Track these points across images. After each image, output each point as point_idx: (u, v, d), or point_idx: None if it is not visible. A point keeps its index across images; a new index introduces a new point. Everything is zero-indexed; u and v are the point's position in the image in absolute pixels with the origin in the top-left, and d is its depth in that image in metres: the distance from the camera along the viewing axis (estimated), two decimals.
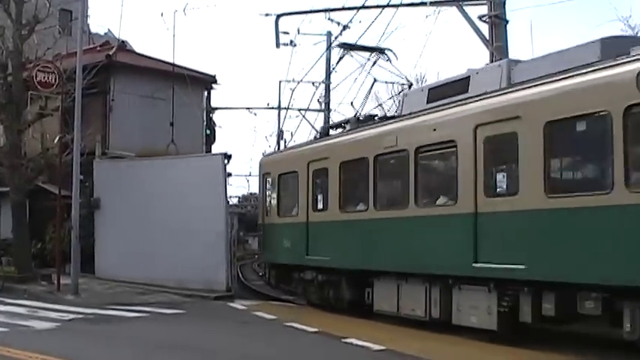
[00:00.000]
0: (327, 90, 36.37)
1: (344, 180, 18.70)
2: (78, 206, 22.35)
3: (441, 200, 15.14)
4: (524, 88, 13.17)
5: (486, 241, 13.40)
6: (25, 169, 25.68)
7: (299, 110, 34.53)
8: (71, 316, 17.24)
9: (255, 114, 41.46)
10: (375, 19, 23.56)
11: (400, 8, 23.05)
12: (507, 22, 21.36)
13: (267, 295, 24.15)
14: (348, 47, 23.72)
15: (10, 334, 14.32)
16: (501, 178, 13.39)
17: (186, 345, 13.58)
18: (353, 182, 18.56)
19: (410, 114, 16.64)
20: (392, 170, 17.36)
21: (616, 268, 10.82)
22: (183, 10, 56.84)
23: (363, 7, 23.64)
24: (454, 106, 14.96)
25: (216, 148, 34.80)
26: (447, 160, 15.47)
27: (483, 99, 14.11)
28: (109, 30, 46.35)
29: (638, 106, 10.69)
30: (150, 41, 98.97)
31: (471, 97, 14.63)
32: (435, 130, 15.21)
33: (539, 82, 12.80)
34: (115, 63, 30.22)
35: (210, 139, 35.19)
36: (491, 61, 20.13)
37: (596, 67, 11.71)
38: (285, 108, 37.24)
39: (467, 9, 21.51)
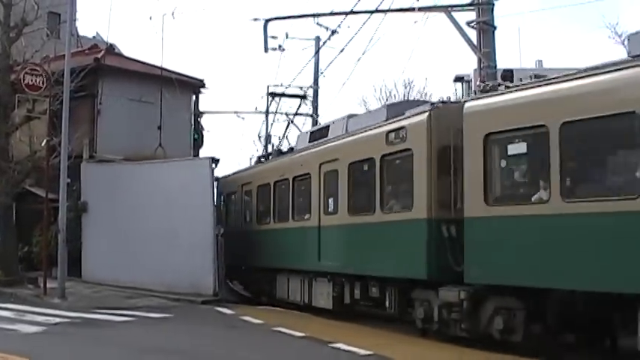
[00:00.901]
0: (315, 95, 36.35)
1: (260, 199, 24.58)
2: (65, 210, 22.29)
3: (306, 216, 20.54)
4: (341, 137, 19.02)
5: (326, 247, 19.02)
6: (12, 172, 25.61)
7: (286, 115, 34.56)
8: (58, 319, 17.18)
9: (243, 118, 41.38)
10: (364, 24, 23.65)
11: (389, 14, 23.08)
12: (495, 28, 21.43)
13: (255, 300, 24.15)
14: (276, 95, 31.92)
15: None
16: (330, 202, 19.17)
17: (173, 349, 13.58)
18: (265, 201, 24.06)
19: (293, 151, 23.05)
20: (283, 193, 22.58)
21: (385, 265, 16.24)
22: (172, 14, 56.52)
23: (352, 12, 23.67)
24: (311, 148, 20.88)
25: (203, 152, 34.79)
26: (307, 186, 20.60)
27: (323, 144, 20.04)
28: (97, 33, 46.45)
29: (388, 156, 16.38)
30: (138, 45, 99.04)
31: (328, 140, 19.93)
32: (301, 165, 21.23)
33: (343, 135, 18.94)
34: (103, 66, 30.17)
35: (198, 143, 35.13)
36: (479, 66, 20.25)
37: (374, 127, 17.17)
38: (273, 112, 37.18)
39: (455, 15, 21.54)
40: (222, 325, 17.75)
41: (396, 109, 16.88)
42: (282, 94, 31.58)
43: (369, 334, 16.09)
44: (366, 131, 17.48)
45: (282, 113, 35.45)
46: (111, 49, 34.32)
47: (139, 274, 24.28)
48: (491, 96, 13.87)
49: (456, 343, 14.05)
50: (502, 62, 19.29)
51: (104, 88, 30.13)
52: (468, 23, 21.43)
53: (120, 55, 36.35)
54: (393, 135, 16.11)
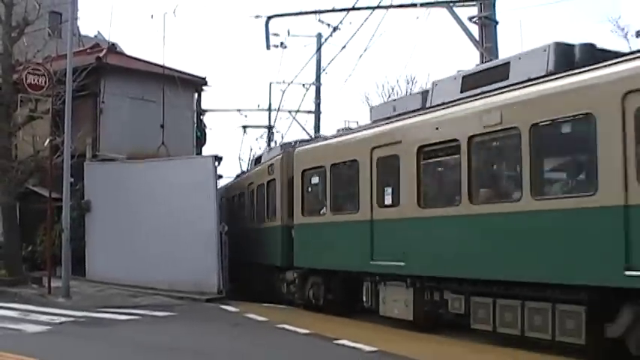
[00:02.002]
0: (318, 92, 36.40)
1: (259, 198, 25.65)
2: (69, 209, 22.30)
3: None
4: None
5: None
6: (15, 172, 25.60)
7: (289, 112, 34.61)
8: (62, 319, 17.19)
9: (246, 115, 41.40)
10: (365, 20, 23.65)
11: (390, 10, 23.07)
12: (497, 23, 21.45)
13: (259, 297, 24.12)
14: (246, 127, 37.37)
15: (1, 337, 14.29)
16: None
17: (177, 347, 13.58)
18: (261, 200, 25.12)
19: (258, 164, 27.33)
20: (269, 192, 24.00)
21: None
22: (174, 12, 56.73)
23: (353, 8, 23.66)
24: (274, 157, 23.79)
25: (206, 150, 34.80)
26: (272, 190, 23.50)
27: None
28: (99, 32, 46.41)
29: (267, 183, 23.57)
30: (140, 43, 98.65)
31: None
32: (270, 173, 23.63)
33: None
34: (105, 65, 30.14)
35: (201, 141, 35.14)
36: (481, 61, 20.21)
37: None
38: (275, 110, 37.26)
39: (457, 10, 21.58)
40: (226, 322, 17.74)
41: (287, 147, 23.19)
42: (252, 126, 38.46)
43: (374, 330, 16.08)
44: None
45: (285, 110, 35.58)
46: (113, 48, 34.31)
47: (142, 272, 24.27)
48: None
49: (460, 338, 14.04)
50: (504, 57, 19.20)
51: (106, 87, 30.10)
52: (470, 18, 21.45)
53: (122, 53, 36.32)
54: (269, 169, 23.46)
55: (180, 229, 23.52)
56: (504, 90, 13.37)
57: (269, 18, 28.13)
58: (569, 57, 12.80)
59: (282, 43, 32.64)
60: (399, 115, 16.71)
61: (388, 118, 17.11)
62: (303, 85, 34.02)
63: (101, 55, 30.80)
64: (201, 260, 23.09)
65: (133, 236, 24.72)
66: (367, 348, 12.73)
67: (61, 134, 22.92)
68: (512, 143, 12.98)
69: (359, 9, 23.52)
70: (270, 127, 34.29)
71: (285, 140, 28.91)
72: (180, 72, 32.85)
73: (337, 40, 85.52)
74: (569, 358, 11.66)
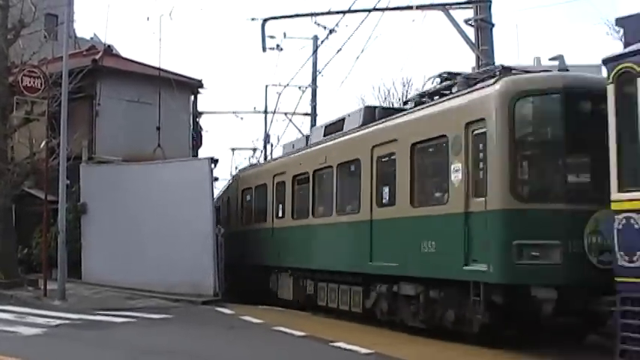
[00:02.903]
0: (314, 94, 36.40)
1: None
2: (65, 211, 22.27)
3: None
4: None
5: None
6: (11, 174, 25.59)
7: (285, 114, 34.61)
8: (58, 321, 17.16)
9: (242, 118, 41.44)
10: (361, 23, 23.60)
11: (386, 12, 23.05)
12: (493, 25, 21.43)
13: (255, 300, 24.12)
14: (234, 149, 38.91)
15: None
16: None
17: (173, 350, 13.57)
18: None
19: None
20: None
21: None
22: (169, 15, 56.71)
23: (349, 11, 23.64)
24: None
25: (202, 153, 34.82)
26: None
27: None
28: (95, 34, 46.26)
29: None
30: (136, 46, 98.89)
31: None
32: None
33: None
34: (101, 67, 30.13)
35: (197, 143, 35.14)
36: (477, 64, 20.24)
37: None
38: (271, 112, 37.28)
39: (453, 13, 21.55)
40: (222, 325, 17.74)
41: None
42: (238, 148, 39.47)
43: (370, 333, 16.10)
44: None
45: (281, 113, 35.60)
46: (109, 50, 34.28)
47: (139, 275, 24.23)
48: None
49: (458, 341, 14.04)
50: (500, 59, 19.37)
51: (102, 89, 30.09)
52: (466, 21, 21.43)
53: (118, 56, 36.32)
54: (229, 186, 28.66)
55: (177, 231, 23.49)
56: (330, 138, 20.19)
57: (265, 20, 28.12)
58: (372, 115, 18.30)
59: (278, 46, 32.67)
60: (289, 152, 23.94)
61: (287, 154, 24.17)
62: (299, 87, 34.08)
63: (97, 57, 30.78)
64: (198, 262, 23.08)
65: (129, 238, 24.68)
66: (363, 350, 12.72)
67: (57, 136, 22.91)
68: (329, 176, 19.84)
69: (355, 11, 23.50)
70: (254, 150, 34.92)
71: (282, 142, 29.29)
72: (177, 74, 32.85)
73: (333, 42, 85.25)
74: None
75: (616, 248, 10.91)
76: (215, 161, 25.03)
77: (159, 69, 31.25)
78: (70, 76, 23.27)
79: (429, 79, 17.34)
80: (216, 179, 28.07)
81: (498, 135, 12.92)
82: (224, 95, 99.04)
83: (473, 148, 13.59)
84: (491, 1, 21.35)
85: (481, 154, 13.38)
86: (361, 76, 77.02)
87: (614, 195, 10.98)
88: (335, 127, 20.17)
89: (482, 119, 13.30)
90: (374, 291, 16.96)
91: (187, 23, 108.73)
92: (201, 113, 36.32)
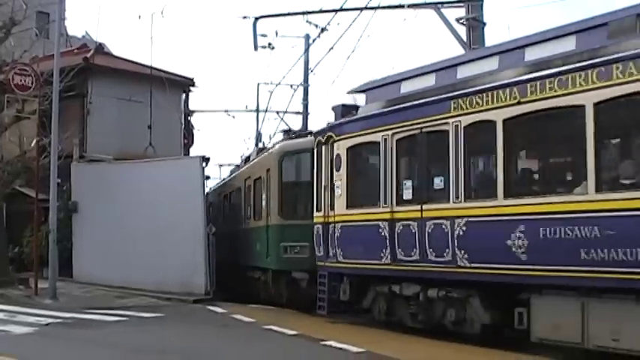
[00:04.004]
0: (306, 92, 36.41)
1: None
2: (55, 210, 22.22)
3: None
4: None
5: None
6: (2, 173, 25.53)
7: (277, 113, 34.66)
8: (49, 320, 17.14)
9: (234, 117, 41.48)
10: (353, 21, 23.59)
11: (378, 11, 23.06)
12: (485, 24, 21.47)
13: (247, 299, 24.11)
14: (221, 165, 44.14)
15: None
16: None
17: (164, 349, 13.56)
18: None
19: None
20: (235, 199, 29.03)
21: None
22: (161, 13, 56.56)
23: (341, 9, 23.63)
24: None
25: (194, 151, 34.80)
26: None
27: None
28: (86, 32, 46.13)
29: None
30: (128, 44, 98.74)
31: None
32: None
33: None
34: (93, 66, 30.09)
35: (189, 142, 35.11)
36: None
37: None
38: (263, 110, 37.35)
39: (444, 11, 21.58)
40: (214, 324, 17.73)
41: None
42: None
43: (361, 332, 16.10)
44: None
45: (272, 111, 35.62)
46: (100, 48, 34.25)
47: (130, 273, 24.21)
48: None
49: (449, 339, 14.05)
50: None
51: (93, 87, 30.07)
52: (458, 20, 21.46)
53: (109, 54, 36.29)
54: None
55: (168, 229, 23.46)
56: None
57: (257, 19, 28.05)
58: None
59: (269, 44, 32.58)
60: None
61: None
62: (291, 85, 34.12)
63: (88, 55, 30.75)
64: (189, 261, 23.06)
65: (120, 237, 24.65)
66: (354, 349, 12.72)
67: (48, 135, 22.84)
68: (239, 195, 27.29)
69: (347, 10, 23.49)
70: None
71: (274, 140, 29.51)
72: (168, 73, 32.82)
73: (325, 41, 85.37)
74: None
75: (315, 245, 18.29)
76: (206, 160, 25.03)
77: (150, 67, 31.21)
78: (61, 74, 23.21)
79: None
80: (208, 178, 28.10)
81: (274, 179, 21.58)
82: (216, 94, 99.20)
83: (266, 185, 22.29)
84: (482, 0, 21.38)
85: (270, 190, 21.81)
86: (353, 75, 76.93)
87: (315, 214, 18.33)
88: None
89: (269, 169, 22.06)
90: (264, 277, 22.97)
91: (179, 21, 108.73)
92: (192, 112, 36.32)
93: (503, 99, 12.99)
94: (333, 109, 18.46)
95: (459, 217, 13.67)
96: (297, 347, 13.98)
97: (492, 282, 13.11)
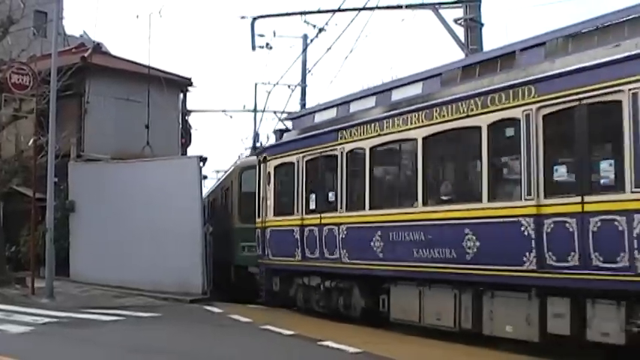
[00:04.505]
0: (303, 92, 36.43)
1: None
2: (53, 209, 22.22)
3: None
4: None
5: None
6: None
7: (275, 113, 34.67)
8: (46, 319, 17.13)
9: (231, 116, 41.52)
10: (351, 22, 23.63)
11: (376, 11, 23.10)
12: (482, 25, 21.53)
13: (244, 299, 24.14)
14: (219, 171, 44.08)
15: None
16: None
17: (160, 348, 13.56)
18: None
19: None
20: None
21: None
22: (159, 13, 56.64)
23: (339, 9, 23.67)
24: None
25: (191, 151, 34.75)
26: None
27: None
28: (84, 32, 46.14)
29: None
30: (126, 43, 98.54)
31: None
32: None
33: None
34: (90, 65, 30.01)
35: (186, 141, 35.08)
36: None
37: None
38: (261, 111, 37.35)
39: (442, 12, 21.62)
40: (211, 323, 17.75)
41: None
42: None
43: (359, 332, 16.07)
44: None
45: (270, 111, 35.64)
46: (98, 47, 34.19)
47: (127, 273, 24.21)
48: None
49: (442, 340, 14.07)
50: None
51: (91, 87, 29.99)
52: (456, 20, 21.51)
53: (107, 53, 36.21)
54: None
55: (165, 229, 23.45)
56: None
57: (255, 19, 28.12)
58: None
59: (267, 44, 32.61)
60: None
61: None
62: (289, 86, 34.13)
63: (86, 54, 30.66)
64: (186, 261, 23.05)
65: (118, 236, 24.64)
66: (351, 349, 12.73)
67: (46, 134, 22.83)
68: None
69: (345, 10, 23.55)
70: (219, 180, 35.93)
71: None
72: (166, 72, 32.75)
73: (323, 41, 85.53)
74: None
75: (257, 245, 21.37)
76: (204, 160, 25.01)
77: (148, 67, 31.15)
78: (58, 73, 23.20)
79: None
80: (205, 177, 28.11)
81: (236, 189, 25.83)
82: (213, 93, 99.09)
83: (232, 194, 26.53)
84: (480, 1, 21.43)
85: (234, 198, 26.10)
86: (351, 75, 77.16)
87: (257, 220, 21.27)
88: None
89: (232, 180, 26.65)
90: None
91: (177, 21, 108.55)
92: (190, 111, 36.27)
93: (370, 132, 16.42)
94: (274, 132, 22.90)
95: (342, 223, 17.17)
96: (294, 347, 13.99)
97: (364, 275, 16.61)
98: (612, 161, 11.39)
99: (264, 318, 17.81)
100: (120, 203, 24.96)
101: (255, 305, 22.07)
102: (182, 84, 34.51)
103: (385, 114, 16.21)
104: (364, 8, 22.83)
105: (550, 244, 11.94)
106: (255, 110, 39.43)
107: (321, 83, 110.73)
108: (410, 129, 15.18)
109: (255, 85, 40.45)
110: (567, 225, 11.66)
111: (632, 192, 10.82)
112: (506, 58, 13.93)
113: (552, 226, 11.93)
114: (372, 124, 16.41)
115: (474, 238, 13.37)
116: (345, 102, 18.58)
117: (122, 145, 29.23)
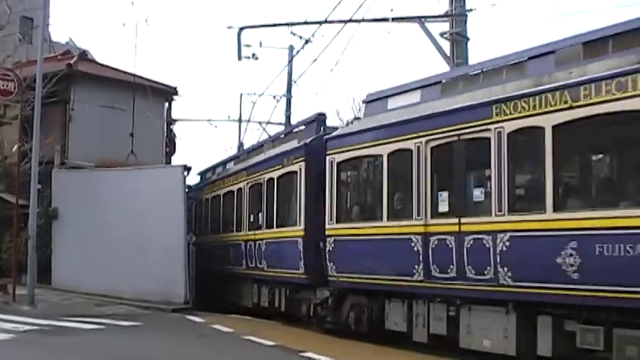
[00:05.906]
0: (289, 103, 36.48)
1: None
2: (35, 216, 22.15)
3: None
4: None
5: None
6: None
7: (259, 123, 34.69)
8: (26, 327, 17.03)
9: (216, 126, 41.49)
10: (337, 33, 23.70)
11: (362, 23, 23.18)
12: (468, 39, 21.61)
13: (226, 309, 24.08)
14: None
15: None
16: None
17: (141, 358, 13.53)
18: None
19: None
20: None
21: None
22: (146, 21, 56.42)
23: (326, 21, 23.73)
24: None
25: (176, 160, 34.70)
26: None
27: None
28: (70, 39, 46.06)
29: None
30: (111, 51, 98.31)
31: None
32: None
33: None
34: (76, 72, 29.94)
35: (171, 150, 35.02)
36: None
37: None
38: (246, 121, 37.40)
39: (429, 26, 21.71)
40: (192, 333, 17.68)
41: None
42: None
43: (340, 344, 16.06)
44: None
45: (255, 122, 35.68)
46: (84, 55, 34.13)
47: (109, 281, 24.11)
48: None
49: (423, 352, 14.09)
50: None
51: (76, 94, 29.88)
52: (442, 34, 21.59)
53: (92, 61, 36.08)
54: None
55: (148, 238, 23.39)
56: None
57: (241, 29, 28.19)
58: None
59: (253, 55, 32.71)
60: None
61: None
62: (274, 96, 34.20)
63: (72, 62, 30.59)
64: (168, 270, 22.99)
65: (100, 244, 24.55)
66: None
67: (30, 140, 22.77)
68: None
69: (331, 22, 23.61)
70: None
71: None
72: (151, 81, 32.69)
73: (309, 52, 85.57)
74: None
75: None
76: (188, 169, 25.01)
77: (134, 75, 31.09)
78: (44, 80, 23.16)
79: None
80: (189, 187, 28.05)
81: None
82: (199, 103, 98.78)
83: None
84: (467, 15, 21.51)
85: None
86: (337, 87, 77.12)
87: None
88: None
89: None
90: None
91: (164, 30, 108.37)
92: (175, 120, 36.22)
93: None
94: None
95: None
96: (275, 358, 13.97)
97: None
98: (482, 189, 13.39)
99: (246, 328, 17.78)
100: (103, 211, 24.88)
101: (236, 315, 22.04)
102: (167, 93, 34.43)
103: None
104: (351, 20, 22.92)
105: (435, 258, 13.76)
106: (240, 120, 39.51)
107: (307, 94, 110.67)
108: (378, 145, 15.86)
109: (241, 95, 40.58)
110: (448, 242, 13.51)
111: (496, 215, 12.64)
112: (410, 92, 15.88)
113: (436, 242, 13.76)
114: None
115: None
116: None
117: (106, 152, 29.12)
